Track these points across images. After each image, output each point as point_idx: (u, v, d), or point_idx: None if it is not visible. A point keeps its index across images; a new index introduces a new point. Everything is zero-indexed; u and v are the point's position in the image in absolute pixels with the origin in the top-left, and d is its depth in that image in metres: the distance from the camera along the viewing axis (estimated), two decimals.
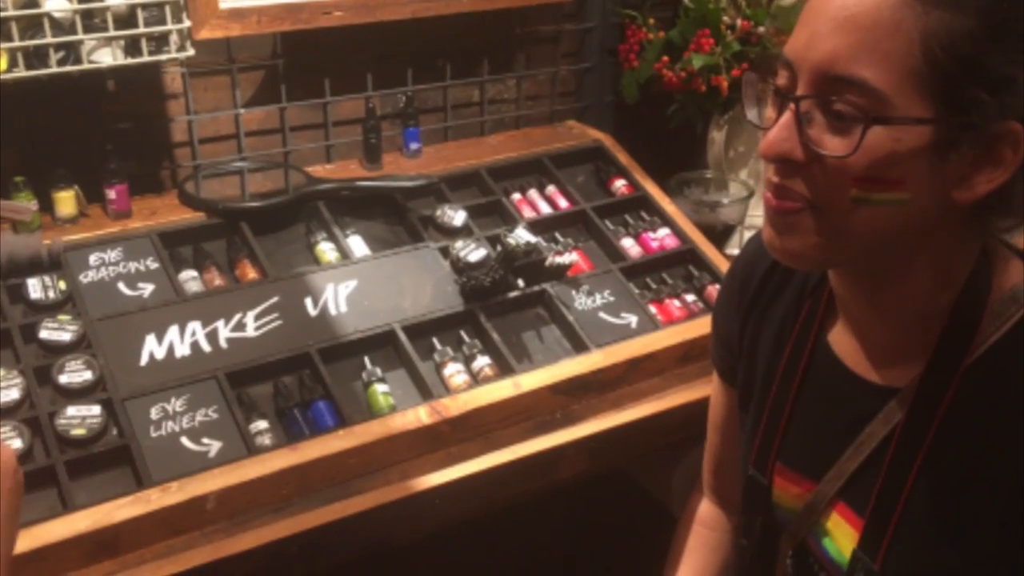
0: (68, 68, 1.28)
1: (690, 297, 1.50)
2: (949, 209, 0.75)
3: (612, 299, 1.44)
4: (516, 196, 1.63)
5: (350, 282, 1.38)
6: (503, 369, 1.31)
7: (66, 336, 1.22)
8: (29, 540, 1.00)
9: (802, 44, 0.75)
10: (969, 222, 0.78)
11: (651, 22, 1.77)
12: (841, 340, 0.90)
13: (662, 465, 1.50)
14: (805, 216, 0.77)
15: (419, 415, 1.21)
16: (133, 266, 1.36)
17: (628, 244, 1.56)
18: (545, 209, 1.61)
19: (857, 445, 0.86)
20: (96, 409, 1.14)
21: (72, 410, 1.13)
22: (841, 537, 0.88)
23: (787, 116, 0.76)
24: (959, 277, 0.81)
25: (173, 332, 1.26)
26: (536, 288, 1.41)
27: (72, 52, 1.28)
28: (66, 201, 1.42)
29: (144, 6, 1.29)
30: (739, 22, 1.65)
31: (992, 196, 0.75)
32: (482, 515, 1.22)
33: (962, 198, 0.75)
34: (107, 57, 1.30)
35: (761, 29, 1.64)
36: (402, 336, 1.31)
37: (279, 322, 1.30)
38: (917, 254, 0.80)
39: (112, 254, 1.37)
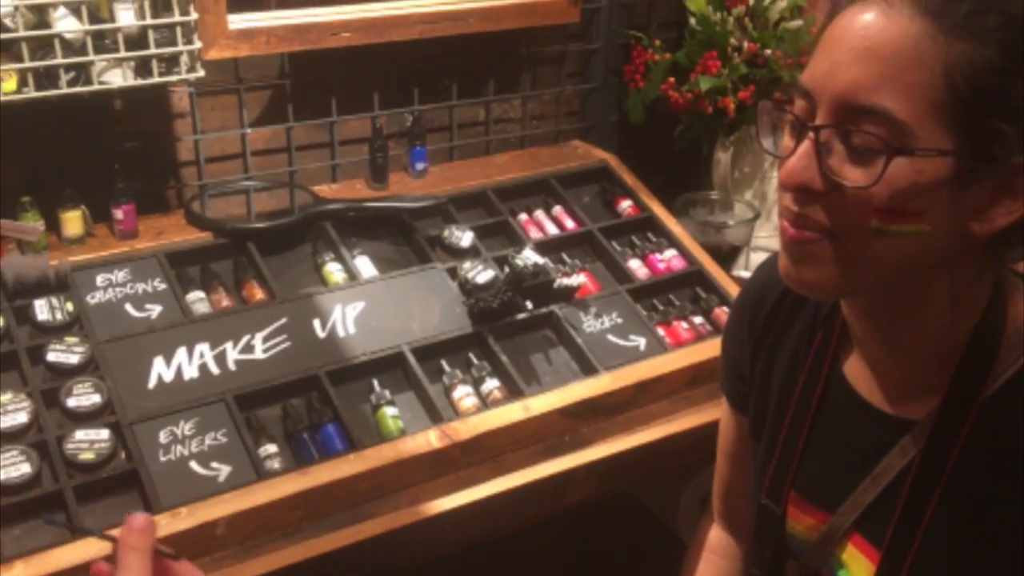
0: (78, 89, 1.27)
1: (698, 319, 1.50)
2: (967, 241, 0.75)
3: (620, 321, 1.44)
4: (523, 217, 1.63)
5: (358, 303, 1.38)
6: (512, 392, 1.31)
7: (73, 358, 1.22)
8: (36, 567, 0.99)
9: (822, 73, 0.75)
10: (985, 254, 0.78)
11: (657, 43, 1.78)
12: (856, 371, 0.90)
13: (669, 488, 1.50)
14: (823, 245, 0.77)
15: (429, 439, 1.20)
16: (140, 287, 1.35)
17: (635, 265, 1.56)
18: (552, 230, 1.61)
19: (873, 477, 0.85)
20: (105, 433, 1.13)
21: (80, 434, 1.13)
22: (857, 569, 0.88)
23: (806, 145, 0.75)
24: (975, 309, 0.81)
25: (181, 354, 1.26)
26: (544, 310, 1.41)
27: (82, 73, 1.28)
28: (73, 221, 1.42)
29: (155, 27, 1.29)
30: (746, 44, 1.66)
31: (1010, 229, 0.75)
32: (491, 539, 1.22)
33: (980, 230, 0.75)
34: (117, 78, 1.30)
35: (768, 52, 1.65)
36: (411, 358, 1.31)
37: (287, 344, 1.30)
38: (933, 286, 0.79)
39: (119, 275, 1.36)
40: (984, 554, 0.79)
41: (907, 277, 0.78)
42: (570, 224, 1.62)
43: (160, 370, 1.23)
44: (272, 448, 1.18)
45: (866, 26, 0.72)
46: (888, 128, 0.71)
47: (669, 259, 1.58)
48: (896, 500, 0.83)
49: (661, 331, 1.45)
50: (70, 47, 1.26)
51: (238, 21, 1.44)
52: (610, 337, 1.41)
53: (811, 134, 0.75)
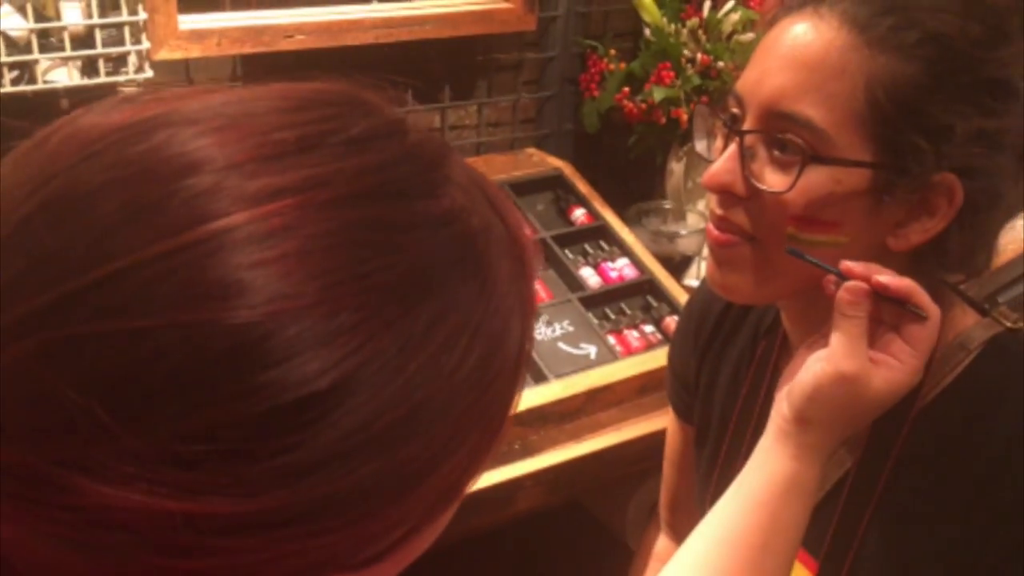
0: (22, 88, 1.25)
1: (648, 328, 1.51)
2: (886, 257, 0.77)
3: (571, 329, 1.44)
4: None
5: None
6: None
7: None
8: None
9: (752, 80, 0.77)
10: (912, 270, 0.80)
11: (612, 53, 1.79)
12: None
13: (617, 496, 1.51)
14: (743, 249, 0.79)
15: None
16: None
17: (587, 274, 1.56)
18: None
19: None
20: None
21: None
22: None
23: (732, 149, 0.77)
24: None
25: None
26: None
27: (27, 71, 1.25)
28: None
29: (102, 26, 1.27)
30: (699, 56, 1.68)
31: (927, 246, 0.77)
32: (439, 548, 1.21)
33: (896, 246, 0.76)
34: (63, 77, 1.27)
35: (721, 64, 1.67)
36: None
37: None
38: None
39: None
40: (916, 565, 0.81)
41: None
42: None
43: None
44: None
45: (796, 36, 0.74)
46: (808, 136, 0.73)
47: (621, 268, 1.59)
48: (833, 510, 0.84)
49: (612, 339, 1.45)
50: (14, 45, 1.23)
51: (189, 21, 1.42)
52: (561, 345, 1.41)
53: (736, 138, 0.76)
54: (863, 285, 0.71)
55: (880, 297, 0.72)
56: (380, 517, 0.40)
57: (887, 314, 0.73)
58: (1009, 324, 0.83)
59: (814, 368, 0.73)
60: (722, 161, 0.77)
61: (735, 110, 0.78)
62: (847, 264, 0.72)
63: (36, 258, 0.36)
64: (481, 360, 0.41)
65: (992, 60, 0.73)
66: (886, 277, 0.71)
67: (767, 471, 0.74)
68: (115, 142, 0.39)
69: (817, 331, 0.86)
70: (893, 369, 0.72)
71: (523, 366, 0.46)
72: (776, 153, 0.75)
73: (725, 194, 0.78)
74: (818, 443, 0.74)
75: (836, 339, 0.72)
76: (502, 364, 0.43)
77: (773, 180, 0.75)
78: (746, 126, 0.77)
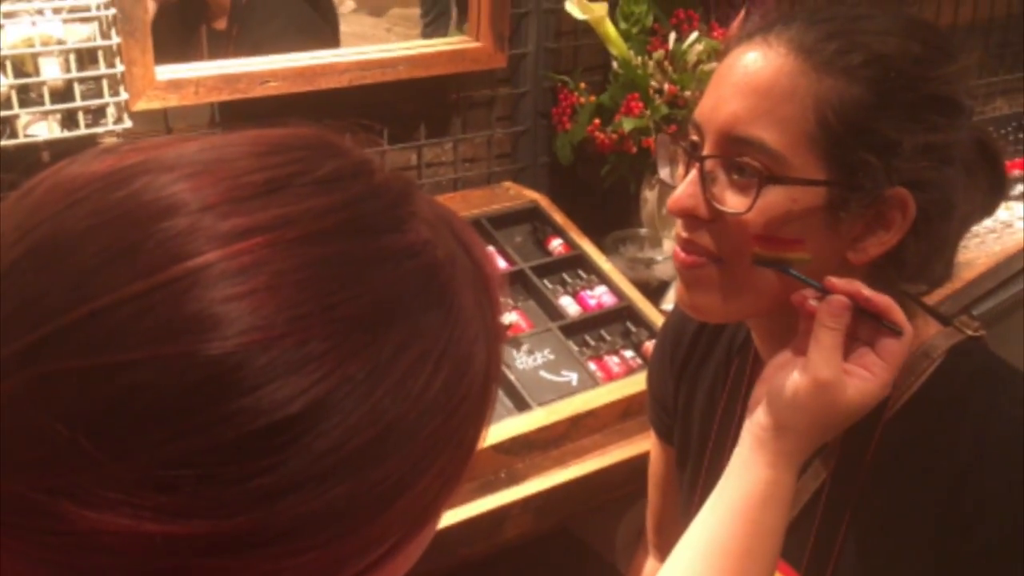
0: (4, 142, 1.27)
1: (628, 353, 1.53)
2: (847, 270, 0.80)
3: (552, 357, 1.46)
4: None
5: None
6: None
7: None
8: None
9: (709, 107, 0.81)
10: (870, 283, 0.83)
11: (582, 86, 1.83)
12: None
13: (605, 520, 1.52)
14: (710, 270, 0.82)
15: None
16: None
17: (566, 303, 1.59)
18: None
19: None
20: None
21: None
22: None
23: (693, 174, 0.81)
24: None
25: None
26: None
27: (7, 126, 1.28)
28: None
29: (81, 80, 1.30)
30: (666, 86, 1.72)
31: (885, 258, 0.80)
32: None
33: (856, 259, 0.80)
34: (43, 131, 1.30)
35: (687, 93, 1.71)
36: None
37: None
38: None
39: None
40: (895, 570, 0.82)
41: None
42: (502, 264, 1.65)
43: None
44: None
45: (747, 64, 0.78)
46: (764, 158, 0.76)
47: (600, 295, 1.62)
48: (811, 521, 0.87)
49: (593, 366, 1.48)
50: None
51: (166, 72, 1.45)
52: (543, 373, 1.43)
53: (697, 164, 0.80)
54: (845, 300, 0.75)
55: (859, 312, 0.76)
56: (355, 537, 0.42)
57: (862, 330, 0.77)
58: (970, 332, 0.86)
59: (792, 377, 0.77)
60: (684, 186, 0.80)
61: (694, 137, 0.82)
62: (831, 279, 0.77)
63: (23, 300, 0.39)
64: (447, 384, 0.43)
65: (934, 78, 0.77)
66: (869, 291, 0.76)
67: (746, 480, 0.78)
68: (97, 190, 0.41)
69: (786, 347, 0.89)
70: (866, 380, 0.76)
71: (491, 390, 0.48)
72: (735, 176, 0.78)
73: (689, 218, 0.81)
74: (793, 450, 0.77)
75: (814, 349, 0.76)
76: (468, 387, 0.45)
77: (733, 202, 0.78)
78: (705, 152, 0.80)
